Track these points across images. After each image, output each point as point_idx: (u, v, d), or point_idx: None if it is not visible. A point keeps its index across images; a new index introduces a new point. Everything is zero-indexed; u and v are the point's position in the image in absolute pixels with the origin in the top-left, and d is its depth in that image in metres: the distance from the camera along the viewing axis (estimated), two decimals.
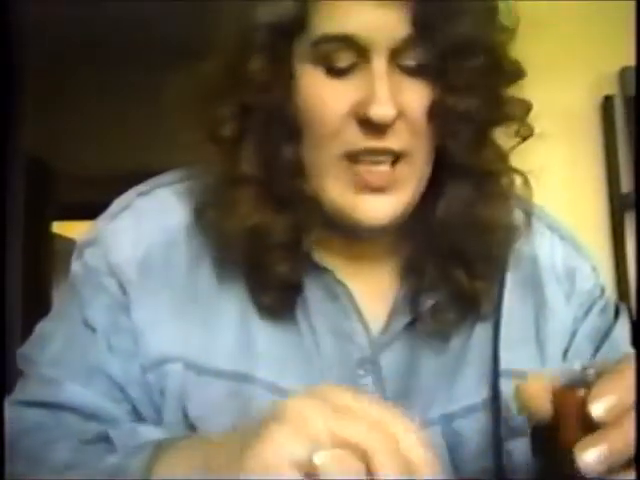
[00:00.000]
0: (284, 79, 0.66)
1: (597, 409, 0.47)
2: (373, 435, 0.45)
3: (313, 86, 0.66)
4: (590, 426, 0.48)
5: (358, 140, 0.65)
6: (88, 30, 2.76)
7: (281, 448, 0.45)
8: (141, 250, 0.71)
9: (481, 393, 0.72)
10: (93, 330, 0.69)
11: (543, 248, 0.76)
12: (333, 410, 0.46)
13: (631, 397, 0.48)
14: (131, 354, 0.69)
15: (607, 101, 1.88)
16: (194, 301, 0.70)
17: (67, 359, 0.69)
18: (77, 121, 3.53)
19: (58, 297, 0.76)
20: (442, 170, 0.68)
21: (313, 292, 0.70)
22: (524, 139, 0.71)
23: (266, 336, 0.70)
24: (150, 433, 0.61)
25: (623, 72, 1.87)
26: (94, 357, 0.69)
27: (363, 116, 0.64)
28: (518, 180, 0.71)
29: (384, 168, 0.65)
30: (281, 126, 0.66)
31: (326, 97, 0.65)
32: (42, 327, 0.73)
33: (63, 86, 3.18)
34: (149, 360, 0.68)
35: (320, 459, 0.44)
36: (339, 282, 0.71)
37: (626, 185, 1.87)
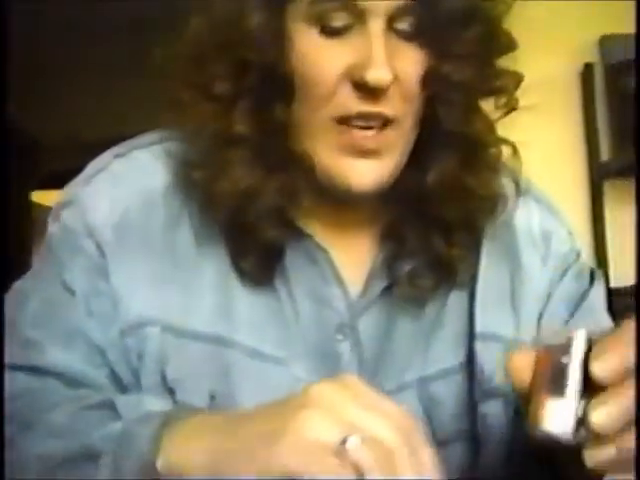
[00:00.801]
0: (279, 37, 0.65)
1: (599, 369, 0.47)
2: (399, 435, 0.47)
3: (307, 46, 0.65)
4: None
5: (351, 104, 0.65)
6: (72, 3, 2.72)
7: (314, 432, 0.46)
8: (118, 212, 0.70)
9: (458, 356, 0.73)
10: (72, 293, 0.69)
11: (519, 212, 0.76)
12: (357, 399, 0.48)
13: (632, 358, 0.47)
14: (110, 318, 0.69)
15: (587, 69, 1.88)
16: (173, 263, 0.70)
17: (47, 321, 0.69)
18: (60, 90, 3.49)
19: (35, 259, 0.75)
20: (429, 138, 0.68)
21: (293, 258, 0.70)
22: (509, 111, 0.70)
23: (246, 301, 0.70)
24: (156, 404, 0.61)
25: (603, 40, 1.87)
26: (74, 321, 0.69)
27: (359, 79, 0.63)
28: (506, 150, 0.71)
29: (373, 131, 0.65)
30: (274, 86, 0.65)
31: (320, 57, 0.64)
32: (19, 285, 0.73)
33: (46, 54, 3.14)
34: (128, 323, 0.68)
35: (352, 444, 0.46)
36: (320, 247, 0.71)
37: (605, 153, 1.88)
